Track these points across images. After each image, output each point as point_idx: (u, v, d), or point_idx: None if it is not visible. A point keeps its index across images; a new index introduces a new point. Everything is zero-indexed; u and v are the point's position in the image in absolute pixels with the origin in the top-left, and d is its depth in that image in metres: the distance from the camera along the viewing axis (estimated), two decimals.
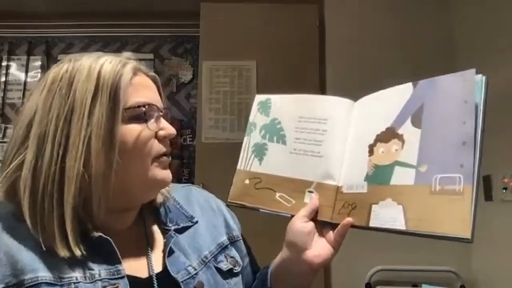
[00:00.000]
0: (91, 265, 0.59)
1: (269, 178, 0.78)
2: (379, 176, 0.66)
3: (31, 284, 0.55)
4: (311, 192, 0.73)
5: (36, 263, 0.56)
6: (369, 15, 2.37)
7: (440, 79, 0.64)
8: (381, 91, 0.72)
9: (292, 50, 2.38)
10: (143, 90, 0.64)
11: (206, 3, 2.43)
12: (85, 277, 0.57)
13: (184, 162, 2.74)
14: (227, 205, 0.80)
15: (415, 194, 0.61)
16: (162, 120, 0.66)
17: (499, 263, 1.90)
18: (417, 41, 2.31)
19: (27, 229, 0.57)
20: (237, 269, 0.73)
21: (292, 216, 0.72)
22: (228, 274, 0.71)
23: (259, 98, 0.85)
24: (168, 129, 0.65)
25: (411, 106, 0.66)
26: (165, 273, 0.64)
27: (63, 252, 0.56)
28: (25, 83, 2.83)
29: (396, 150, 0.65)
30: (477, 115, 0.58)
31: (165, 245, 0.67)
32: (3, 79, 2.82)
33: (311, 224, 0.70)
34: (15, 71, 2.85)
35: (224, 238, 0.74)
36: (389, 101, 0.69)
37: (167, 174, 0.66)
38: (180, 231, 0.70)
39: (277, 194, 0.76)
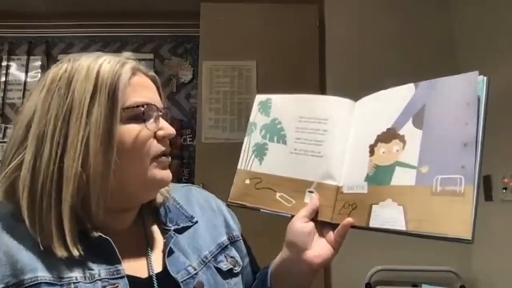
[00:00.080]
0: (91, 265, 0.59)
1: (269, 178, 0.78)
2: (379, 177, 0.66)
3: (31, 284, 0.55)
4: (311, 192, 0.73)
5: (35, 263, 0.56)
6: (369, 15, 2.37)
7: (443, 81, 0.64)
8: (382, 91, 0.71)
9: (292, 50, 2.38)
10: (142, 90, 0.64)
11: (206, 3, 2.43)
12: (84, 277, 0.57)
13: (184, 162, 2.74)
14: (228, 205, 0.80)
15: (416, 195, 0.60)
16: (161, 120, 0.66)
17: (499, 263, 1.90)
18: (417, 41, 2.31)
19: (26, 229, 0.57)
20: (237, 269, 0.73)
21: (292, 216, 0.72)
22: (228, 274, 0.70)
23: (259, 98, 0.84)
24: (167, 129, 0.65)
25: (413, 107, 0.65)
26: (165, 273, 0.64)
27: (60, 252, 0.56)
28: (25, 83, 2.83)
29: (397, 150, 0.65)
30: (479, 116, 0.58)
31: (165, 245, 0.66)
32: (3, 79, 2.82)
33: (311, 224, 0.70)
34: (15, 71, 2.86)
35: (224, 238, 0.74)
36: (391, 102, 0.69)
37: (166, 174, 0.66)
38: (180, 231, 0.70)
39: (278, 194, 0.76)
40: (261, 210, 0.77)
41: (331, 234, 0.69)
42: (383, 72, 2.12)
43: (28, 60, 2.86)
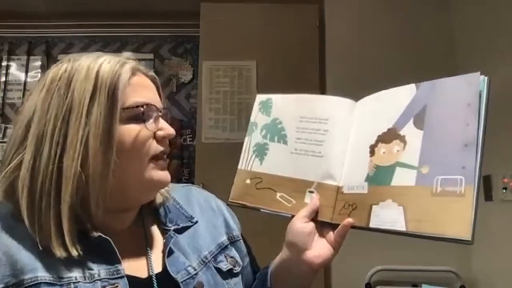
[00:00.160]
0: (91, 265, 0.59)
1: (270, 178, 0.78)
2: (380, 177, 0.66)
3: (31, 284, 0.55)
4: (311, 192, 0.73)
5: (35, 262, 0.56)
6: (369, 15, 2.37)
7: (444, 81, 0.64)
8: (383, 92, 0.71)
9: (292, 50, 2.38)
10: (141, 90, 0.64)
11: (206, 3, 2.43)
12: (84, 277, 0.57)
13: (184, 162, 2.74)
14: (228, 205, 0.80)
15: (416, 195, 0.60)
16: (161, 120, 0.65)
17: (499, 263, 1.90)
18: (417, 41, 2.31)
19: (26, 228, 0.57)
20: (237, 269, 0.73)
21: (293, 216, 0.72)
22: (228, 274, 0.70)
23: (260, 98, 0.85)
24: (167, 129, 0.65)
25: (414, 107, 0.65)
26: (164, 273, 0.64)
27: (59, 252, 0.56)
28: (25, 83, 2.83)
29: (398, 151, 0.65)
30: (480, 117, 0.58)
31: (165, 245, 0.66)
32: (3, 79, 2.82)
33: (311, 225, 0.70)
34: (15, 71, 2.86)
35: (224, 238, 0.74)
36: (391, 102, 0.69)
37: (164, 175, 0.65)
38: (180, 231, 0.70)
39: (278, 194, 0.76)
40: (262, 210, 0.77)
41: (331, 234, 0.69)
42: (383, 72, 2.12)
43: (28, 60, 2.86)
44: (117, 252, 0.60)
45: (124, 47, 2.87)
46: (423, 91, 0.66)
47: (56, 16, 2.73)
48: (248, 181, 0.80)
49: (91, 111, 0.58)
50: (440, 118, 0.62)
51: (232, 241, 0.75)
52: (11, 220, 0.59)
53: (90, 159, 0.57)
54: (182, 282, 0.63)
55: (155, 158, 0.64)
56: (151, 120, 0.63)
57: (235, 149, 0.85)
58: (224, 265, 0.70)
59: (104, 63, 0.61)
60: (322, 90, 2.31)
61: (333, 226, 0.69)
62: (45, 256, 0.56)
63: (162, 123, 0.65)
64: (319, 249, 0.69)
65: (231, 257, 0.73)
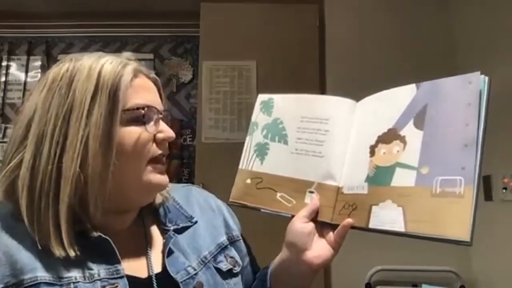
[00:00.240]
0: (90, 265, 0.58)
1: (270, 178, 0.78)
2: (379, 177, 0.66)
3: (31, 284, 0.55)
4: (312, 192, 0.73)
5: (35, 262, 0.56)
6: (369, 15, 2.37)
7: (444, 81, 0.64)
8: (384, 92, 0.71)
9: (292, 50, 2.38)
10: (143, 92, 0.64)
11: (206, 3, 2.43)
12: (84, 277, 0.57)
13: (184, 162, 2.74)
14: (229, 205, 0.80)
15: (416, 196, 0.60)
16: (161, 122, 0.65)
17: (499, 263, 1.90)
18: (417, 41, 2.31)
19: (26, 228, 0.57)
20: (237, 269, 0.73)
21: (293, 216, 0.72)
22: (227, 274, 0.70)
23: (261, 97, 0.85)
24: (167, 132, 0.65)
25: (414, 108, 0.65)
26: (164, 274, 0.64)
27: (58, 251, 0.56)
28: (25, 83, 2.83)
29: (398, 151, 0.65)
30: (480, 117, 0.58)
31: (165, 245, 0.66)
32: (3, 79, 2.82)
33: (311, 225, 0.70)
34: (15, 71, 2.85)
35: (223, 238, 0.74)
36: (392, 102, 0.69)
37: (163, 178, 0.65)
38: (180, 231, 0.70)
39: (278, 194, 0.76)
40: (262, 210, 0.76)
41: (331, 235, 0.69)
42: (383, 72, 2.12)
43: (28, 60, 2.86)
44: (117, 252, 0.60)
45: (124, 47, 2.87)
46: (423, 91, 0.66)
47: (56, 16, 2.73)
48: (248, 181, 0.80)
49: (92, 112, 0.58)
50: (440, 118, 0.62)
51: (232, 241, 0.75)
52: (11, 220, 0.59)
53: (89, 160, 0.57)
54: (181, 282, 0.63)
55: (154, 161, 0.64)
56: (152, 123, 0.63)
57: (235, 149, 0.85)
58: (224, 265, 0.70)
59: (106, 64, 0.61)
60: (322, 90, 2.31)
61: (333, 227, 0.69)
62: (45, 256, 0.56)
63: (162, 125, 0.65)
64: (319, 249, 0.69)
65: (231, 257, 0.73)
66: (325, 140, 0.74)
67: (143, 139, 0.62)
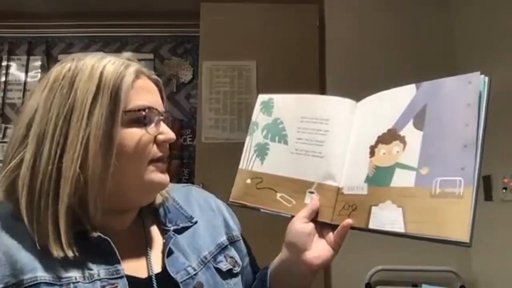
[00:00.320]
0: (90, 265, 0.59)
1: (270, 178, 0.78)
2: (379, 178, 0.66)
3: (30, 284, 0.55)
4: (312, 192, 0.73)
5: (35, 262, 0.56)
6: (369, 15, 2.37)
7: (444, 81, 0.63)
8: (384, 92, 0.71)
9: (292, 50, 2.38)
10: (144, 93, 0.64)
11: (206, 3, 2.43)
12: (84, 277, 0.57)
13: (184, 162, 2.74)
14: (229, 205, 0.80)
15: (415, 197, 0.60)
16: (162, 124, 0.65)
17: (499, 263, 1.90)
18: (417, 41, 2.31)
19: (26, 228, 0.57)
20: (237, 269, 0.73)
21: (293, 216, 0.72)
22: (227, 275, 0.70)
23: (261, 98, 0.85)
24: (168, 133, 0.65)
25: (414, 108, 0.65)
26: (164, 274, 0.64)
27: (56, 252, 0.56)
28: (25, 83, 2.83)
29: (397, 152, 0.65)
30: (479, 117, 0.57)
31: (165, 245, 0.66)
32: (3, 79, 2.82)
33: (311, 225, 0.70)
34: (15, 71, 2.85)
35: (223, 239, 0.74)
36: (392, 102, 0.69)
37: (164, 177, 0.65)
38: (180, 231, 0.70)
39: (278, 194, 0.76)
40: (262, 210, 0.77)
41: (331, 235, 0.69)
42: (383, 72, 2.12)
43: (28, 60, 2.86)
44: (117, 252, 0.60)
45: (124, 47, 2.87)
46: (423, 91, 0.66)
47: (56, 16, 2.73)
48: (248, 181, 0.80)
49: (93, 112, 0.58)
50: (440, 119, 0.62)
51: (232, 241, 0.75)
52: (11, 220, 0.59)
53: (89, 160, 0.57)
54: (181, 282, 0.63)
55: (155, 160, 0.64)
56: (153, 124, 0.63)
57: (235, 149, 0.85)
58: (224, 265, 0.70)
59: (108, 64, 0.61)
60: (322, 90, 2.31)
61: (333, 227, 0.69)
62: (45, 256, 0.56)
63: (163, 127, 0.65)
64: (318, 249, 0.69)
65: (231, 257, 0.73)
66: (325, 141, 0.74)
67: (144, 141, 0.62)
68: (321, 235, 0.70)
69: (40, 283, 0.55)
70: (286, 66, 2.35)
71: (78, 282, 0.56)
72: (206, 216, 0.75)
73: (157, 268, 0.64)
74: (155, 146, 0.64)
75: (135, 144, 0.61)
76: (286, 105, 0.81)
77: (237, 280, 0.72)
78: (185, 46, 2.88)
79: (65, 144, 0.57)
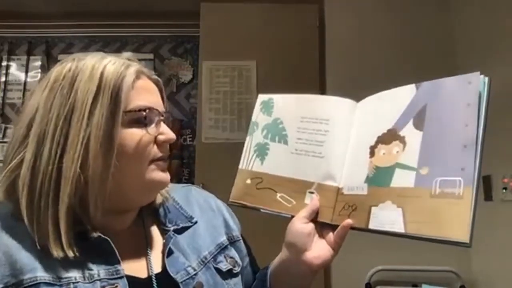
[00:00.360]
0: (90, 265, 0.59)
1: (270, 178, 0.78)
2: (379, 178, 0.66)
3: (30, 284, 0.55)
4: (311, 193, 0.73)
5: (35, 262, 0.56)
6: (369, 15, 2.37)
7: (443, 81, 0.63)
8: (384, 92, 0.71)
9: (292, 50, 2.38)
10: (145, 93, 0.64)
11: (206, 3, 2.43)
12: (84, 277, 0.57)
13: (184, 162, 2.74)
14: (229, 205, 0.80)
15: (415, 197, 0.60)
16: (162, 124, 0.65)
17: (499, 263, 1.90)
18: (417, 41, 2.31)
19: (26, 228, 0.57)
20: (237, 269, 0.73)
21: (292, 216, 0.72)
22: (227, 275, 0.70)
23: (261, 97, 0.85)
24: (168, 134, 0.65)
25: (414, 108, 0.65)
26: (164, 274, 0.64)
27: (56, 252, 0.56)
28: (25, 83, 2.83)
29: (397, 152, 0.65)
30: (479, 117, 0.57)
31: (165, 245, 0.66)
32: (3, 79, 2.82)
33: (311, 225, 0.70)
34: (15, 71, 2.85)
35: (223, 239, 0.74)
36: (391, 103, 0.69)
37: (165, 176, 0.65)
38: (180, 231, 0.70)
39: (278, 195, 0.76)
40: (262, 210, 0.77)
41: (331, 235, 0.69)
42: (383, 72, 2.12)
43: (28, 60, 2.86)
44: (117, 252, 0.60)
45: (124, 47, 2.87)
46: (423, 91, 0.66)
47: (56, 16, 2.73)
48: (248, 181, 0.80)
49: (94, 112, 0.58)
50: (440, 119, 0.62)
51: (232, 241, 0.75)
52: (11, 220, 0.59)
53: (90, 160, 0.57)
54: (181, 282, 0.63)
55: (155, 160, 0.64)
56: (153, 125, 0.63)
57: (235, 149, 0.85)
58: (224, 265, 0.70)
59: (108, 65, 0.61)
60: (322, 90, 2.31)
61: (333, 227, 0.69)
62: (45, 256, 0.56)
63: (164, 127, 0.65)
64: (318, 250, 0.69)
65: (231, 257, 0.73)
66: (325, 141, 0.74)
67: (144, 141, 0.62)
68: (321, 235, 0.70)
69: (40, 283, 0.55)
70: (286, 66, 2.35)
71: (78, 282, 0.56)
72: (206, 216, 0.75)
73: (157, 268, 0.64)
74: (155, 146, 0.64)
75: (135, 145, 0.61)
76: (286, 105, 0.81)
77: (237, 280, 0.72)
78: (185, 46, 2.88)
79: (65, 144, 0.57)
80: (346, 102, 0.76)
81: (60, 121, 0.58)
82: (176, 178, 2.62)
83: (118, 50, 2.85)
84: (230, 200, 0.80)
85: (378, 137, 0.69)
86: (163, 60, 2.87)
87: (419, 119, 0.64)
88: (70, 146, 0.57)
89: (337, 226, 0.68)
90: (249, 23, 2.42)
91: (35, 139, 0.58)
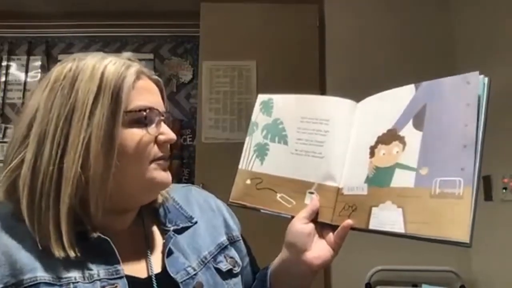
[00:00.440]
0: (90, 265, 0.59)
1: (270, 179, 0.78)
2: (379, 178, 0.66)
3: (30, 284, 0.55)
4: (311, 193, 0.73)
5: (35, 262, 0.56)
6: (369, 15, 2.37)
7: (443, 81, 0.63)
8: (383, 92, 0.71)
9: (292, 50, 2.38)
10: (145, 93, 0.64)
11: (206, 3, 2.43)
12: (84, 277, 0.57)
13: (184, 162, 2.74)
14: (228, 205, 0.80)
15: (415, 197, 0.60)
16: (162, 124, 0.65)
17: (499, 263, 1.90)
18: (417, 41, 2.31)
19: (26, 228, 0.57)
20: (237, 269, 0.73)
21: (293, 217, 0.72)
22: (227, 275, 0.70)
23: (261, 98, 0.84)
24: (168, 134, 0.65)
25: (413, 108, 0.65)
26: (164, 274, 0.64)
27: (58, 252, 0.56)
28: (25, 83, 2.83)
29: (397, 152, 0.65)
30: (479, 117, 0.57)
31: (164, 245, 0.66)
32: (3, 79, 2.82)
33: (311, 226, 0.70)
34: (15, 71, 2.86)
35: (223, 239, 0.74)
36: (391, 103, 0.69)
37: (166, 176, 0.65)
38: (180, 231, 0.70)
39: (278, 195, 0.76)
40: (262, 210, 0.76)
41: (331, 236, 0.69)
42: (383, 72, 2.12)
43: (28, 60, 2.86)
44: (117, 252, 0.60)
45: (124, 47, 2.87)
46: (423, 91, 0.66)
47: (56, 16, 2.73)
48: (248, 181, 0.80)
49: (94, 113, 0.58)
50: (439, 119, 0.62)
51: (232, 242, 0.75)
52: (11, 220, 0.59)
53: (91, 161, 0.57)
54: (181, 282, 0.63)
55: (156, 159, 0.64)
56: (153, 125, 0.63)
57: (235, 149, 0.85)
58: (224, 266, 0.70)
59: (109, 65, 0.61)
60: (322, 90, 2.31)
61: (333, 228, 0.69)
62: (45, 256, 0.56)
63: (164, 127, 0.65)
64: (318, 250, 0.69)
65: (231, 257, 0.73)
66: (325, 141, 0.74)
67: (145, 141, 0.62)
68: (321, 236, 0.70)
69: (39, 283, 0.55)
70: (286, 66, 2.35)
71: (78, 282, 0.56)
72: (206, 216, 0.75)
73: (157, 268, 0.64)
74: (155, 146, 0.64)
75: (135, 145, 0.61)
76: (286, 105, 0.81)
77: (237, 280, 0.73)
78: (185, 46, 2.88)
79: (66, 144, 0.57)
80: (346, 103, 0.76)
81: (60, 121, 0.58)
82: (176, 178, 2.62)
83: (118, 50, 2.85)
84: (230, 200, 0.80)
85: (378, 137, 0.69)
86: (163, 60, 2.87)
87: (418, 119, 0.64)
88: (71, 146, 0.57)
89: (337, 226, 0.68)
90: (249, 23, 2.42)
91: (35, 139, 0.58)
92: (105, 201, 0.59)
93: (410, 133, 0.64)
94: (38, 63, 2.86)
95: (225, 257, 0.72)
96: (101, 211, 0.59)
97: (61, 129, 0.58)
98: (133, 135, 0.61)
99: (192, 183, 1.87)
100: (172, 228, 0.69)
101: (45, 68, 2.80)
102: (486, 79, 0.59)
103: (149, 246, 0.67)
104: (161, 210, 0.71)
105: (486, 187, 1.91)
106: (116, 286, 0.58)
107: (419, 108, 0.65)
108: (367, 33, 2.34)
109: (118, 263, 0.60)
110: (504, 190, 1.86)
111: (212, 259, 0.70)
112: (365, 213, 0.65)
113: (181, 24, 2.78)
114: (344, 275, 2.09)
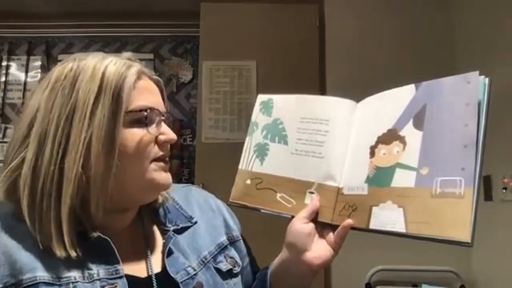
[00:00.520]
0: (90, 265, 0.59)
1: (270, 179, 0.78)
2: (380, 178, 0.66)
3: (30, 283, 0.55)
4: (312, 193, 0.73)
5: (34, 262, 0.56)
6: (369, 15, 2.37)
7: (443, 81, 0.63)
8: (384, 92, 0.71)
9: (292, 50, 2.38)
10: (146, 94, 0.64)
11: (206, 3, 2.43)
12: (83, 277, 0.57)
13: (184, 162, 2.74)
14: (228, 205, 0.80)
15: (416, 197, 0.60)
16: (163, 124, 0.65)
17: (499, 263, 1.90)
18: (417, 41, 2.31)
19: (26, 228, 0.57)
20: (237, 269, 0.73)
21: (293, 217, 0.72)
22: (227, 275, 0.70)
23: (261, 98, 0.84)
24: (169, 134, 0.65)
25: (413, 108, 0.65)
26: (164, 274, 0.64)
27: (59, 252, 0.56)
28: (25, 83, 2.84)
29: (398, 152, 0.65)
30: (479, 117, 0.57)
31: (164, 245, 0.66)
32: (3, 79, 2.82)
33: (311, 225, 0.70)
34: (15, 71, 2.86)
35: (223, 239, 0.74)
36: (391, 103, 0.69)
37: (166, 177, 0.65)
38: (179, 231, 0.70)
39: (278, 195, 0.76)
40: (262, 210, 0.76)
41: (331, 236, 0.69)
42: (383, 72, 2.12)
43: (28, 60, 2.86)
44: (116, 252, 0.60)
45: (124, 47, 2.87)
46: (423, 91, 0.66)
47: (56, 16, 2.73)
48: (248, 181, 0.80)
49: (95, 113, 0.58)
50: (439, 119, 0.62)
51: (232, 242, 0.75)
52: (11, 220, 0.59)
53: (92, 161, 0.57)
54: (181, 282, 0.63)
55: (156, 159, 0.64)
56: (154, 125, 0.63)
57: (235, 149, 0.85)
58: (224, 266, 0.70)
59: (110, 65, 0.61)
60: (322, 90, 2.31)
61: (333, 227, 0.69)
62: (45, 256, 0.56)
63: (164, 127, 0.65)
64: (318, 250, 0.69)
65: (231, 257, 0.73)
66: (325, 141, 0.74)
67: (145, 141, 0.62)
68: (321, 236, 0.70)
69: (39, 283, 0.55)
70: (286, 66, 2.36)
71: (77, 282, 0.57)
72: (206, 216, 0.75)
73: (157, 268, 0.64)
74: (156, 146, 0.64)
75: (136, 144, 0.61)
76: (286, 106, 0.81)
77: (237, 280, 0.73)
78: (185, 46, 2.88)
79: (67, 144, 0.57)
80: (346, 103, 0.76)
81: (61, 121, 0.58)
82: (176, 178, 2.62)
83: (118, 50, 2.85)
84: (230, 200, 0.80)
85: (378, 137, 0.69)
86: (163, 60, 2.87)
87: (419, 119, 0.64)
88: (72, 146, 0.57)
89: (337, 226, 0.68)
90: (249, 23, 2.42)
91: (36, 139, 0.58)
92: (106, 201, 0.59)
93: (410, 133, 0.64)
94: (38, 63, 2.86)
95: (225, 257, 0.72)
96: (102, 211, 0.59)
97: (62, 129, 0.58)
98: (134, 135, 0.61)
99: (192, 183, 1.87)
100: (172, 228, 0.69)
101: (45, 68, 2.80)
102: (487, 79, 0.59)
103: (149, 246, 0.67)
104: (161, 210, 0.71)
105: (486, 187, 1.91)
106: (116, 286, 0.58)
107: (419, 108, 0.65)
108: (367, 33, 2.34)
109: (118, 263, 0.60)
110: (504, 190, 1.86)
111: (212, 259, 0.70)
112: (366, 212, 0.65)
113: (181, 24, 2.78)
114: (344, 275, 2.09)
